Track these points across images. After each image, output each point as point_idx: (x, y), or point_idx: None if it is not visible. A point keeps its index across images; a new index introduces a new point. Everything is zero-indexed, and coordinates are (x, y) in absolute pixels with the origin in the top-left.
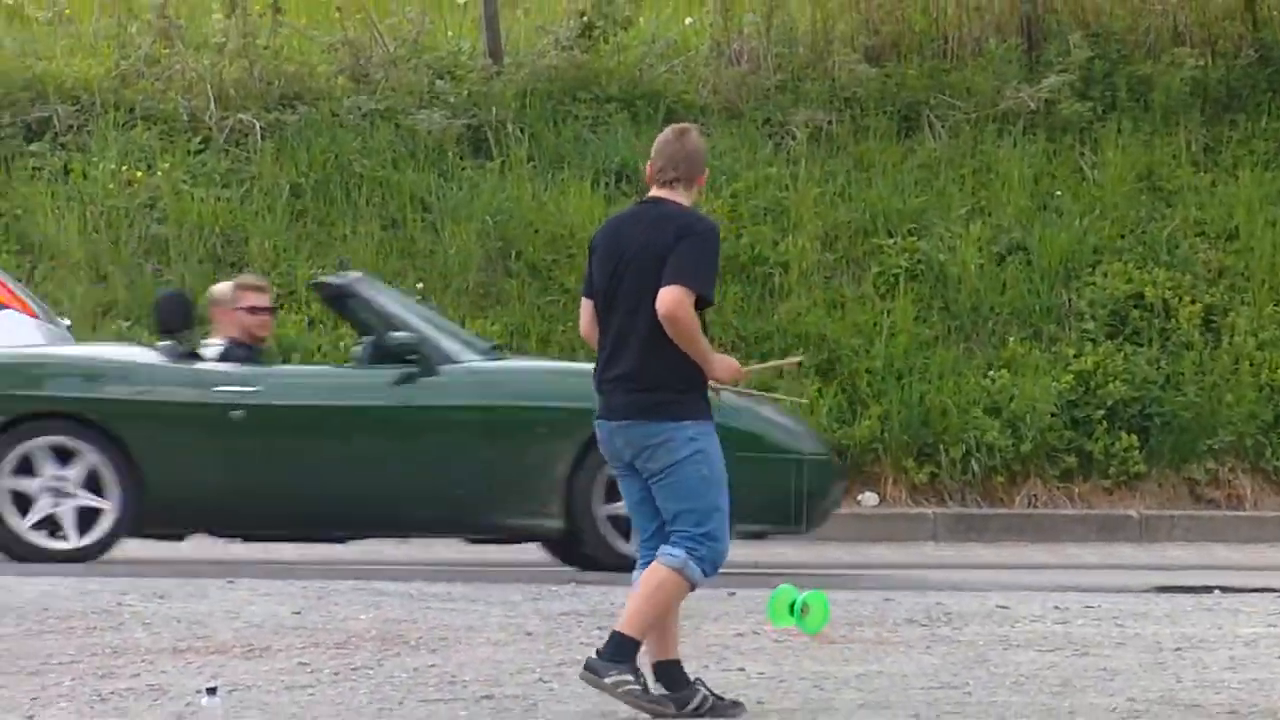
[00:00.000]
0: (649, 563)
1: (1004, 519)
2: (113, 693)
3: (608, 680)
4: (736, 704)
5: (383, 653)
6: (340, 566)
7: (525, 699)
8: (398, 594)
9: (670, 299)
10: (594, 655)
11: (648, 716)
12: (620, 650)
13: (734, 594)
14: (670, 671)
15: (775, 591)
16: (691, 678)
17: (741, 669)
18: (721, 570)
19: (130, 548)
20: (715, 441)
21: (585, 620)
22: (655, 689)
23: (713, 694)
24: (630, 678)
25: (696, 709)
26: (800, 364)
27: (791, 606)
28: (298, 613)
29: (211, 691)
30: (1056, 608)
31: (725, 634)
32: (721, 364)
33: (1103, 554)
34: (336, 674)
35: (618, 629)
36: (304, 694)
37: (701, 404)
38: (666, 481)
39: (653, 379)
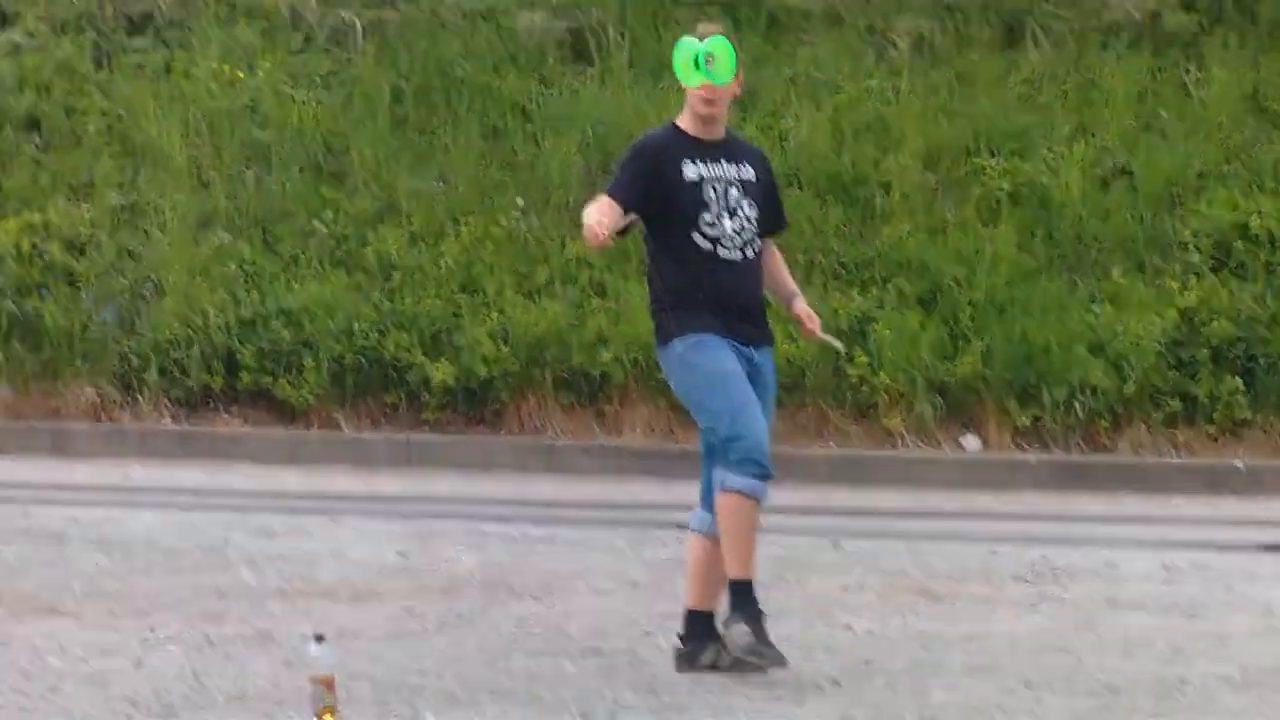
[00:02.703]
0: (708, 508)
1: (1108, 467)
2: (222, 637)
3: (733, 631)
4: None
5: (488, 599)
6: (442, 503)
7: (632, 654)
8: (501, 536)
9: None
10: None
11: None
12: (739, 598)
13: (839, 545)
14: (699, 622)
15: (675, 49)
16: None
17: (848, 626)
18: (823, 515)
19: (235, 480)
20: (707, 349)
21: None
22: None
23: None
24: (748, 627)
25: (712, 663)
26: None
27: (696, 60)
28: (403, 554)
29: (320, 640)
30: (1164, 566)
31: (831, 588)
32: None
33: (1209, 506)
34: (443, 622)
35: (728, 576)
36: (411, 642)
37: (687, 318)
38: (685, 403)
39: (650, 304)
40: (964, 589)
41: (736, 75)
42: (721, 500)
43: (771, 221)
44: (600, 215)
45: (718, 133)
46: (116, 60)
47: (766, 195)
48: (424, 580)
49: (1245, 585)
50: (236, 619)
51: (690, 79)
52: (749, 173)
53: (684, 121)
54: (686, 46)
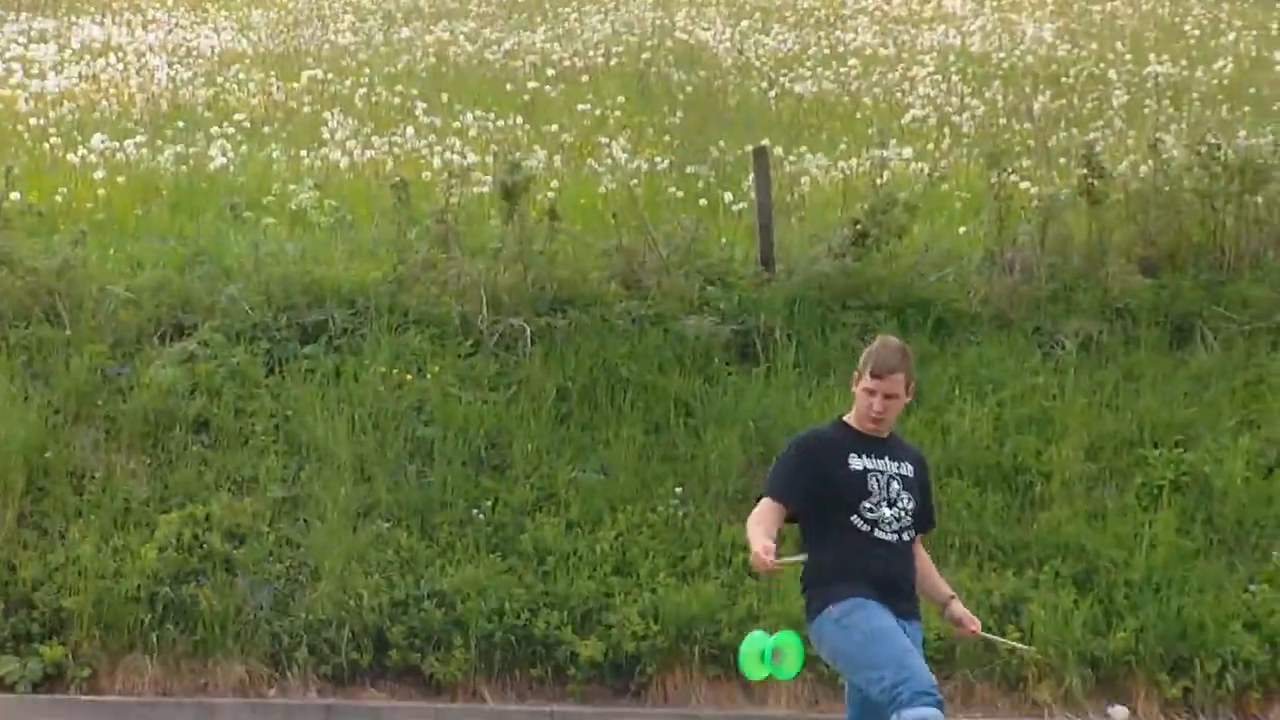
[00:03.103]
0: None
1: None
2: None
3: None
4: None
5: None
6: None
7: None
8: None
9: None
10: None
11: None
12: None
13: None
14: None
15: (744, 642)
16: None
17: None
18: None
19: None
20: (865, 609)
21: None
22: None
23: None
24: None
25: None
26: (1029, 651)
27: (762, 655)
28: None
29: None
30: None
31: None
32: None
33: None
34: None
35: None
36: None
37: (842, 589)
38: (843, 667)
39: (801, 582)
40: None
41: (908, 388)
42: None
43: (924, 520)
44: (765, 539)
45: (883, 432)
46: (288, 366)
47: (922, 493)
48: None
49: None
50: None
51: (755, 672)
52: (909, 470)
53: (851, 419)
54: (755, 641)
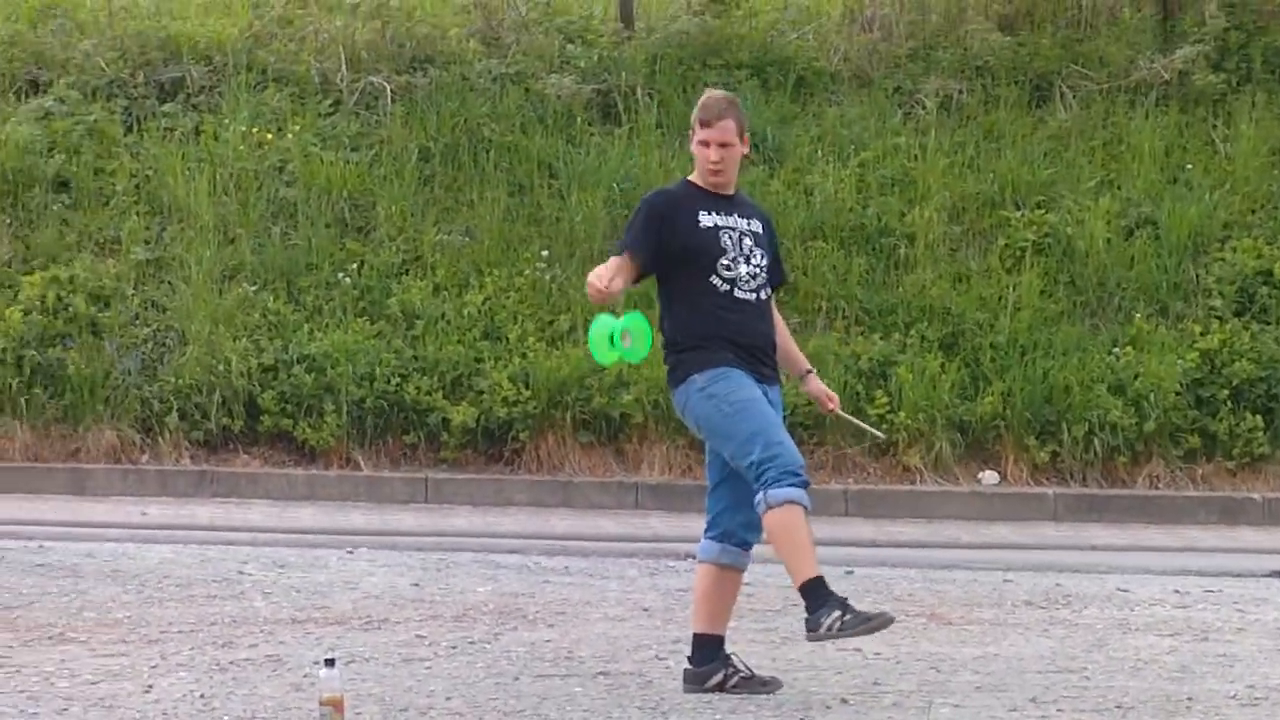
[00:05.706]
0: (712, 537)
1: (1125, 500)
2: (231, 662)
3: (824, 624)
4: (769, 681)
5: (500, 626)
6: (458, 538)
7: (641, 676)
8: (515, 567)
9: None
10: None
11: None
12: (815, 598)
13: (851, 572)
14: (707, 645)
15: (591, 326)
16: (728, 653)
17: (858, 649)
18: (838, 546)
19: (252, 516)
20: (730, 380)
21: None
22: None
23: (744, 670)
24: (838, 612)
25: (719, 685)
26: (880, 438)
27: (611, 338)
28: (416, 584)
29: (329, 663)
30: (1176, 591)
31: None
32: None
33: (1224, 537)
34: (454, 647)
35: (796, 587)
36: (421, 667)
37: (706, 356)
38: (708, 436)
39: (664, 348)
40: (975, 614)
41: (741, 137)
42: (772, 517)
43: (776, 274)
44: (607, 271)
45: (728, 189)
46: (146, 125)
47: (772, 249)
48: (436, 609)
49: (1256, 610)
50: (247, 645)
51: (605, 356)
52: (758, 227)
53: (696, 177)
54: (603, 325)
